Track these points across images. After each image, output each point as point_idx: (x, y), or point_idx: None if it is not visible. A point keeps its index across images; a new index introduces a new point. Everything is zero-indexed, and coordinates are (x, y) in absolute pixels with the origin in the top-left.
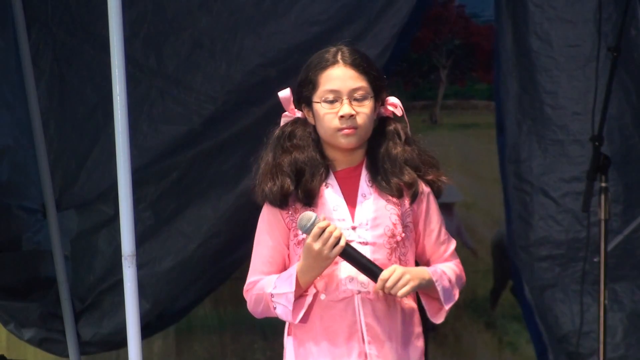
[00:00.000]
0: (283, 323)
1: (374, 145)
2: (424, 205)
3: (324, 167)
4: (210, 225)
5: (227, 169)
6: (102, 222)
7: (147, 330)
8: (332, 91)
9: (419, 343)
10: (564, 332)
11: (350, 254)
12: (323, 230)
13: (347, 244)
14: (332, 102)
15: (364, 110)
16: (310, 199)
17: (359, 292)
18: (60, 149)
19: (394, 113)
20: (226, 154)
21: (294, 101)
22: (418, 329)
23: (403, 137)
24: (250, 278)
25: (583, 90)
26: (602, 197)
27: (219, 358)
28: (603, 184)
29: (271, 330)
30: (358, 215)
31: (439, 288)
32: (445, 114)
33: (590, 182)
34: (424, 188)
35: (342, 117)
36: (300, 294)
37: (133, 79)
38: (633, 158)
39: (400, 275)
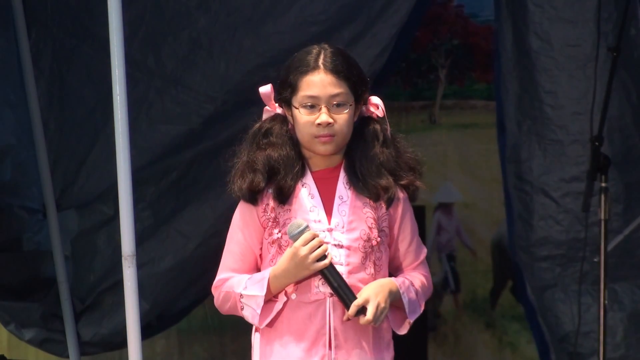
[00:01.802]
0: None
1: (353, 147)
2: (399, 210)
3: (299, 165)
4: (209, 225)
5: (226, 169)
6: (102, 222)
7: (148, 330)
8: (311, 97)
9: (389, 353)
10: (564, 332)
11: (331, 274)
12: (313, 237)
13: (332, 264)
14: (310, 107)
15: (342, 117)
16: (283, 197)
17: (332, 295)
18: (60, 149)
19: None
20: (225, 154)
21: (274, 97)
22: (388, 335)
23: (381, 139)
24: (220, 275)
25: (583, 90)
26: (602, 197)
27: (219, 358)
28: (603, 184)
29: None
30: (334, 218)
31: (405, 300)
32: (444, 113)
33: (590, 182)
34: (400, 194)
35: (319, 124)
36: (269, 298)
37: (131, 79)
38: (633, 158)
39: (377, 306)
